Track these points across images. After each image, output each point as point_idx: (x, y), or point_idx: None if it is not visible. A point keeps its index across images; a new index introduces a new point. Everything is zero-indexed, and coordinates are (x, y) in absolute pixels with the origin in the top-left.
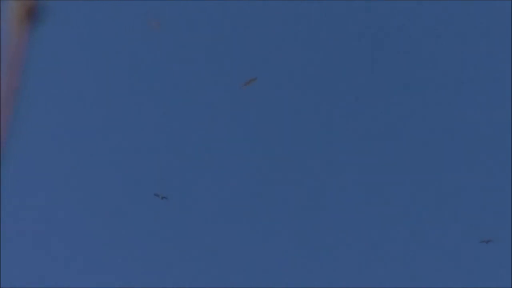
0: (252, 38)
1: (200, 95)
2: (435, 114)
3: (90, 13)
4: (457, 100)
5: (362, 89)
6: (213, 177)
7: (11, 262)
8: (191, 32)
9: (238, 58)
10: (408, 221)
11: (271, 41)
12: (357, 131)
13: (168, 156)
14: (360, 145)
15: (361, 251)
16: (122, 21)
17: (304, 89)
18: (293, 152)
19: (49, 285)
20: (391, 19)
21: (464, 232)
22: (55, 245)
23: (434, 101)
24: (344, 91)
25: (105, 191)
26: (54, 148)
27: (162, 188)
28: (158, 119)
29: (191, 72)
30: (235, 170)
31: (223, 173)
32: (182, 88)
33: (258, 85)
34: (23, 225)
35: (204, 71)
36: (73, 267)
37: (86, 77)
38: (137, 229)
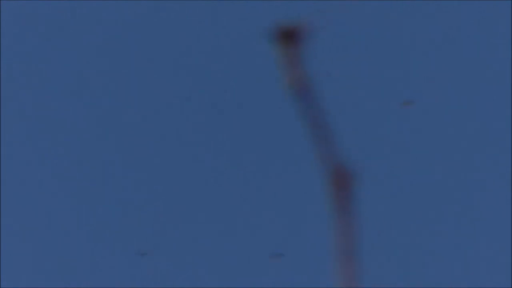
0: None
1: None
2: (434, 114)
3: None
4: (456, 100)
5: (362, 90)
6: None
7: (11, 262)
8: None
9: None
10: (407, 221)
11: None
12: (354, 130)
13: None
14: (360, 145)
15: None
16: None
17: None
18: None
19: (49, 285)
20: (390, 19)
21: (463, 231)
22: (55, 245)
23: (432, 101)
24: (343, 91)
25: (105, 192)
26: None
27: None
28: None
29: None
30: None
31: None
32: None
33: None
34: (23, 225)
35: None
36: (72, 267)
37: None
38: (135, 229)
